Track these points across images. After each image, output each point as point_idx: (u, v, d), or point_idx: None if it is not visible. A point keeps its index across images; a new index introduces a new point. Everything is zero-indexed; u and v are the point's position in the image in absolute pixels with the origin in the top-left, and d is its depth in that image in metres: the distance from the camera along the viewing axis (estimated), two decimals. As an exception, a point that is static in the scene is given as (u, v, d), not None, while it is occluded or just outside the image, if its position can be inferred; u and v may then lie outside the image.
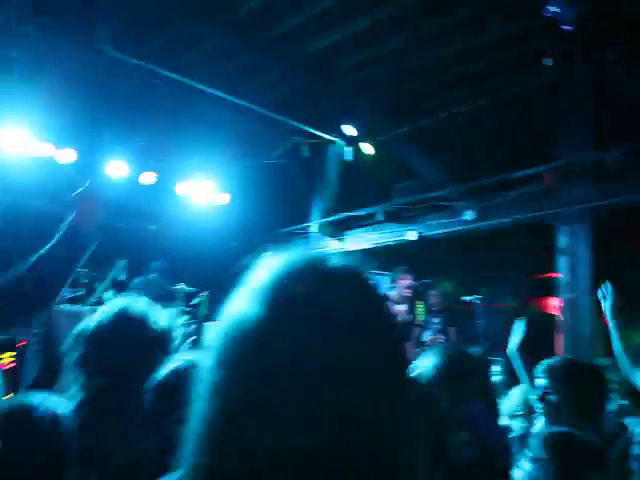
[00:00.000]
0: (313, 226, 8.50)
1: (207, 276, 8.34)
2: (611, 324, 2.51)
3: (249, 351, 0.60)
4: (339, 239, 8.20)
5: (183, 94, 7.20)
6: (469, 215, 6.41)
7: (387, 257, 7.92)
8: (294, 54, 7.30)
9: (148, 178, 8.13)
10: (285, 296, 0.64)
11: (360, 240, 7.89)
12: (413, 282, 5.66)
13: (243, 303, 0.66)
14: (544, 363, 2.30)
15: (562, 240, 5.62)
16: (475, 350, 3.74)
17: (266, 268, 0.70)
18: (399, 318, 5.71)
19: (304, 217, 8.69)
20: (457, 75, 7.17)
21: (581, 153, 5.53)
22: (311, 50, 7.10)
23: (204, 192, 8.50)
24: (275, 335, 0.60)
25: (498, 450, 1.72)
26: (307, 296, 0.63)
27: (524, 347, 3.76)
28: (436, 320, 7.42)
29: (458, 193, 6.67)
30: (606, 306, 2.56)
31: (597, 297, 5.31)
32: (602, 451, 1.80)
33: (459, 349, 3.03)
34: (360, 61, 7.24)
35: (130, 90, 7.23)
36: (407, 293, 5.67)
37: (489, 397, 2.50)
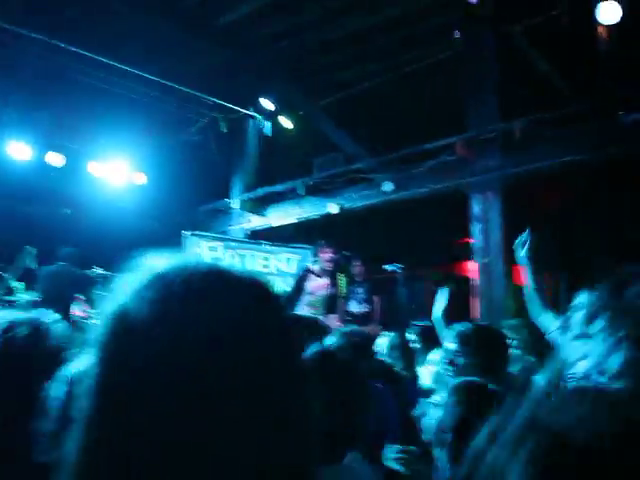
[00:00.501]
0: (234, 202, 8.37)
1: (126, 258, 8.06)
2: (527, 267, 2.58)
3: (129, 347, 0.58)
4: (261, 215, 8.13)
5: (93, 71, 6.82)
6: (387, 187, 6.52)
7: (311, 231, 7.97)
8: (207, 27, 7.08)
9: (55, 159, 7.69)
10: (169, 294, 0.61)
11: (283, 215, 7.86)
12: (334, 255, 5.72)
13: (126, 298, 0.63)
14: (454, 329, 2.40)
15: (475, 208, 5.84)
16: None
17: (152, 266, 0.68)
18: (322, 292, 5.78)
19: (225, 194, 8.54)
20: (371, 47, 7.22)
21: (490, 123, 5.73)
22: (224, 23, 6.91)
23: (119, 172, 8.16)
24: (152, 331, 0.57)
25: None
26: (191, 292, 0.61)
27: (447, 312, 3.94)
28: (360, 290, 7.55)
29: (377, 165, 6.76)
30: (523, 252, 2.64)
31: (509, 260, 5.62)
32: (503, 395, 1.91)
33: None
34: (274, 34, 7.13)
35: (35, 67, 6.77)
36: (329, 266, 5.72)
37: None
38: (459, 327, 2.37)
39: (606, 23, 4.85)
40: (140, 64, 6.91)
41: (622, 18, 4.74)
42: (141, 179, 8.61)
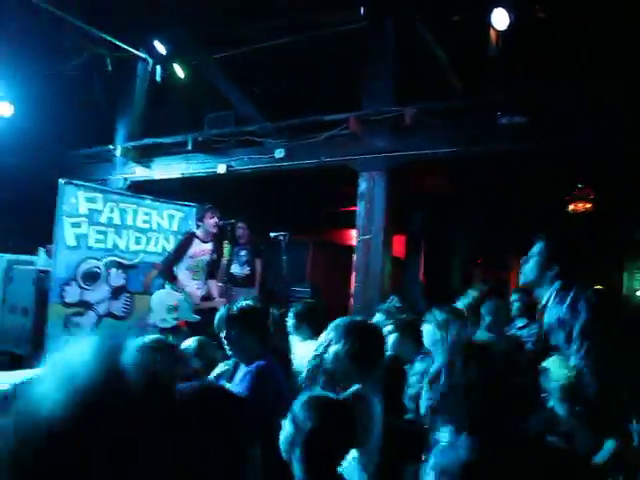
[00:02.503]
0: (117, 150, 7.90)
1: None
2: None
3: None
4: (145, 166, 7.77)
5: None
6: (279, 153, 6.53)
7: (197, 188, 7.79)
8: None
9: None
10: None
11: (168, 169, 7.58)
12: (219, 221, 5.67)
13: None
14: (334, 322, 2.56)
15: (362, 185, 6.06)
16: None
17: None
18: (204, 257, 5.72)
19: (108, 140, 8.01)
20: (273, 3, 7.03)
21: (383, 105, 5.92)
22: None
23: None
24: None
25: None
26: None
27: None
28: (242, 252, 7.60)
29: (269, 130, 6.71)
30: None
31: (388, 239, 5.94)
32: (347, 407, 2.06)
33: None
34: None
35: None
36: (213, 230, 5.67)
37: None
38: (337, 320, 2.53)
39: (497, 28, 5.17)
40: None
41: (510, 26, 5.08)
42: (7, 110, 7.81)
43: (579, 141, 4.89)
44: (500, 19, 5.18)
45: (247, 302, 2.91)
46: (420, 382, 3.31)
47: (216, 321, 3.64)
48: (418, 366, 3.49)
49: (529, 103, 5.10)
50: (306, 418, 1.84)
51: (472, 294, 4.68)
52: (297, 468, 1.82)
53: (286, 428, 1.89)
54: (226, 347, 2.98)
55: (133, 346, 0.79)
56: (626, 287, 8.93)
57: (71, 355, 0.77)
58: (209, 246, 5.76)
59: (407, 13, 5.83)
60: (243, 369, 2.88)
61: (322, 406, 1.91)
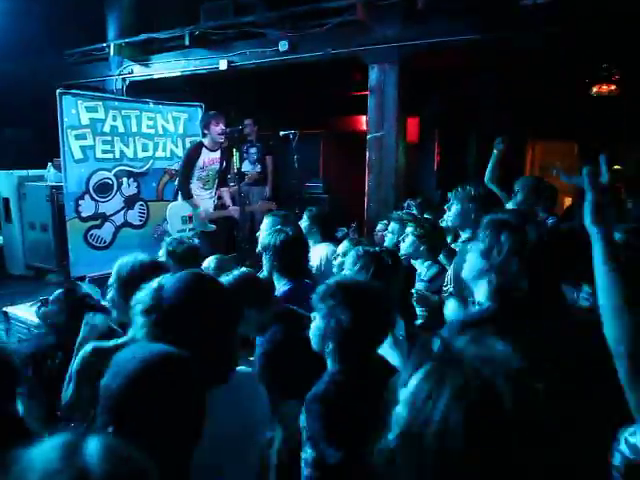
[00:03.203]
0: (110, 47, 7.46)
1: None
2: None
3: None
4: (143, 64, 7.38)
5: None
6: (284, 46, 6.13)
7: (200, 85, 7.46)
8: None
9: None
10: None
11: (166, 66, 7.19)
12: (225, 127, 5.48)
13: None
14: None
15: (372, 78, 5.74)
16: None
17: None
18: (214, 166, 5.62)
19: (99, 37, 7.52)
20: None
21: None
22: None
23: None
24: None
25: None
26: None
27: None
28: (252, 150, 7.49)
29: (271, 20, 6.24)
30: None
31: (402, 135, 5.76)
32: None
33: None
34: None
35: None
36: (220, 139, 5.51)
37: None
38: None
39: None
40: None
41: None
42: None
43: (606, 26, 4.49)
44: None
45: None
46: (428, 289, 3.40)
47: None
48: (424, 271, 3.54)
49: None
50: (337, 309, 1.78)
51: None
52: (331, 359, 1.84)
53: (316, 320, 1.86)
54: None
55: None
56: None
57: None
58: (217, 154, 5.64)
59: None
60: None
61: (353, 295, 1.83)
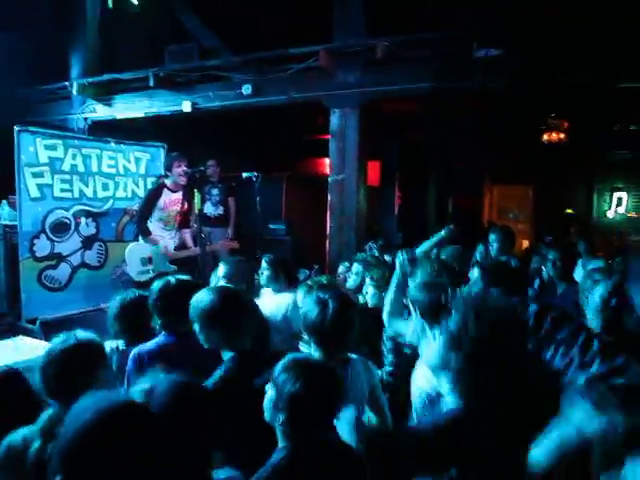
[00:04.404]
0: (73, 86, 7.43)
1: None
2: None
3: None
4: (106, 104, 7.37)
5: None
6: (247, 90, 6.23)
7: (162, 126, 7.48)
8: None
9: None
10: None
11: (130, 107, 7.20)
12: (187, 169, 5.48)
13: None
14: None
15: (334, 122, 5.87)
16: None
17: None
18: (175, 208, 5.60)
19: (63, 75, 7.50)
20: None
21: (355, 37, 5.62)
22: None
23: None
24: None
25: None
26: None
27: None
28: (215, 192, 7.47)
29: (236, 64, 6.36)
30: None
31: (362, 178, 5.87)
32: None
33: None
34: None
35: None
36: (182, 181, 5.50)
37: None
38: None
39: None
40: None
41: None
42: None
43: (554, 77, 4.75)
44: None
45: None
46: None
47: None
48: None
49: (505, 36, 4.88)
50: (289, 382, 1.80)
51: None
52: (280, 434, 1.82)
53: (269, 392, 1.86)
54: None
55: None
56: (595, 209, 9.08)
57: None
58: (179, 195, 5.62)
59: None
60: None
61: (306, 369, 1.86)
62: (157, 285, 2.75)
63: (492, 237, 4.72)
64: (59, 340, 2.05)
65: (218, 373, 2.27)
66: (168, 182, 5.53)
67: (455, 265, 4.00)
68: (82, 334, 2.08)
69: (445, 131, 7.63)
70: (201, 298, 2.43)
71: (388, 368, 3.32)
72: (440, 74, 5.28)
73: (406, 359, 3.16)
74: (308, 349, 2.59)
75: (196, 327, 2.41)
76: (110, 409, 1.24)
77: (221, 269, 3.53)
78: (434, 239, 4.38)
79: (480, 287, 2.84)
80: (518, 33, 4.76)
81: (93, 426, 1.19)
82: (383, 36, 5.40)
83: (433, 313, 2.31)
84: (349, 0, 5.63)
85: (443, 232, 4.41)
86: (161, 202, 5.51)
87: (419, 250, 4.26)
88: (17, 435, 1.78)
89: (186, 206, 5.70)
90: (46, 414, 1.81)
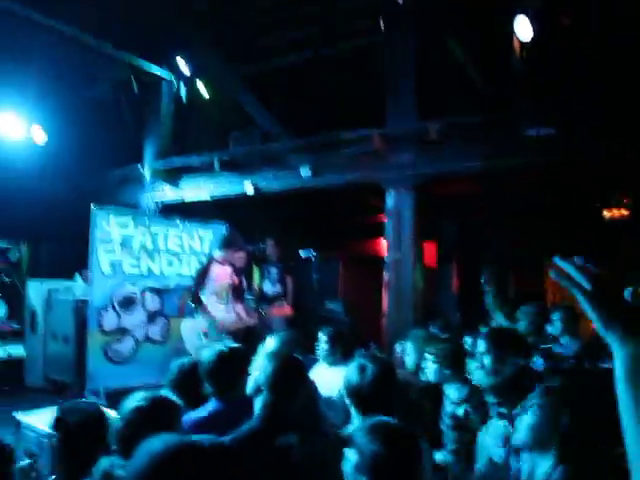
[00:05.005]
0: (146, 170, 8.03)
1: (25, 226, 7.58)
2: None
3: None
4: (174, 185, 7.87)
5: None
6: (305, 172, 6.53)
7: (226, 207, 7.86)
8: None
9: None
10: None
11: (196, 189, 7.65)
12: (244, 247, 5.70)
13: None
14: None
15: (389, 202, 6.01)
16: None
17: None
18: (226, 281, 5.76)
19: (137, 160, 8.14)
20: (294, 15, 7.05)
21: (407, 120, 5.85)
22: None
23: (16, 128, 7.49)
24: None
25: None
26: None
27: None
28: (273, 270, 7.65)
29: (294, 148, 6.72)
30: None
31: (419, 257, 5.89)
32: None
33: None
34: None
35: None
36: (240, 264, 5.70)
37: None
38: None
39: (522, 39, 5.04)
40: (41, 9, 6.32)
41: (535, 36, 4.94)
42: (41, 137, 7.98)
43: (610, 153, 4.75)
44: (524, 29, 5.05)
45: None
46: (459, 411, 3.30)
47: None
48: (454, 393, 3.45)
49: (556, 114, 4.97)
50: (371, 443, 1.80)
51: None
52: None
53: (350, 457, 1.85)
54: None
55: None
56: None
57: None
58: (228, 269, 5.78)
59: (429, 26, 5.74)
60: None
61: (387, 430, 1.88)
62: (208, 353, 2.85)
63: (555, 316, 4.59)
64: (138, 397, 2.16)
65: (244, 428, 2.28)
66: (217, 255, 5.73)
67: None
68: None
69: (503, 211, 7.62)
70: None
71: (450, 446, 3.22)
72: (491, 153, 5.38)
73: (470, 436, 3.07)
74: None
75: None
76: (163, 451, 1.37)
77: (270, 342, 3.58)
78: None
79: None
80: (569, 111, 4.83)
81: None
82: (435, 118, 5.60)
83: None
84: (400, 84, 5.90)
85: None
86: (212, 274, 5.69)
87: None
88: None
89: (236, 279, 5.82)
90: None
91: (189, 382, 2.93)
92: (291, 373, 2.46)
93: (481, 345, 3.40)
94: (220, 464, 1.69)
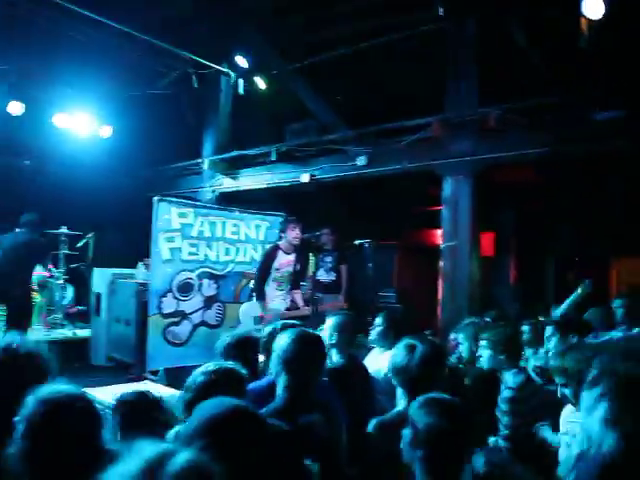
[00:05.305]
0: (205, 162, 8.23)
1: (91, 216, 7.91)
2: None
3: None
4: (232, 177, 8.04)
5: (59, 18, 6.43)
6: (361, 161, 6.52)
7: (283, 196, 7.95)
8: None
9: (16, 108, 7.35)
10: None
11: (253, 179, 7.79)
12: (301, 233, 5.76)
13: None
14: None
15: (446, 190, 5.92)
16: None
17: None
18: (288, 268, 5.84)
19: (196, 153, 8.37)
20: (351, 7, 7.03)
21: (467, 107, 5.74)
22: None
23: (85, 124, 7.86)
24: None
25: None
26: None
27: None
28: (328, 259, 7.67)
29: (351, 138, 6.72)
30: None
31: (475, 245, 5.77)
32: None
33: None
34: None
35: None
36: (295, 242, 5.77)
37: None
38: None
39: (590, 17, 4.83)
40: (107, 11, 6.58)
41: (606, 15, 4.73)
42: (107, 132, 8.32)
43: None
44: (594, 7, 4.83)
45: None
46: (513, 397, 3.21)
47: None
48: (510, 379, 3.36)
49: (625, 97, 4.75)
50: (425, 416, 1.83)
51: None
52: (420, 473, 1.81)
53: (406, 431, 1.88)
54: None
55: None
56: None
57: None
58: (292, 257, 5.86)
59: (489, 10, 5.61)
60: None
61: (440, 404, 1.89)
62: (268, 328, 2.89)
63: (617, 302, 4.39)
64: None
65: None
66: (282, 244, 5.82)
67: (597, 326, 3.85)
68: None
69: (565, 200, 7.35)
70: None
71: (504, 431, 3.14)
72: (557, 138, 5.20)
73: (525, 421, 3.00)
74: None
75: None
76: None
77: (329, 321, 3.58)
78: (573, 298, 4.28)
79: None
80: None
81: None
82: (495, 103, 5.46)
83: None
84: (461, 70, 5.80)
85: (580, 289, 4.28)
86: (276, 263, 5.78)
87: (560, 310, 4.15)
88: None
89: (298, 267, 5.90)
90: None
91: (245, 353, 2.99)
92: (312, 353, 2.44)
93: (548, 329, 3.32)
94: (267, 432, 1.70)
